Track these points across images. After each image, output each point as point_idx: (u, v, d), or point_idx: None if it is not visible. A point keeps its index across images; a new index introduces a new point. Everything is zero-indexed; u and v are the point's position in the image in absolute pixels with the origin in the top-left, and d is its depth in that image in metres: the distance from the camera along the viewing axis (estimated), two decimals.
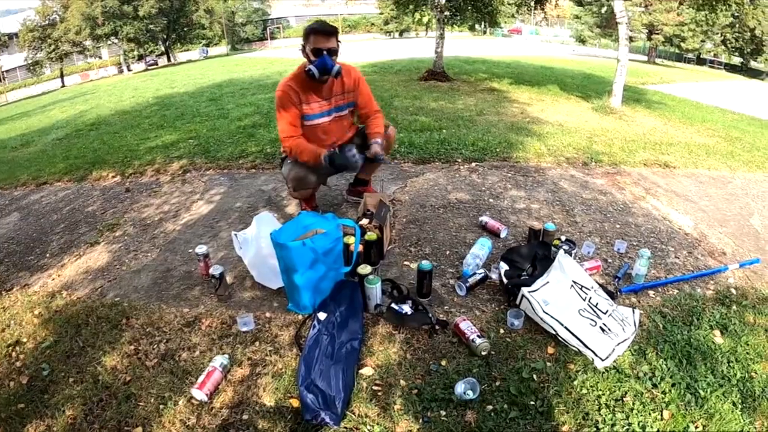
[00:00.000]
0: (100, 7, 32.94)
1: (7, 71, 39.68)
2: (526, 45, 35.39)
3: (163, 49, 41.20)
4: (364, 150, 3.04)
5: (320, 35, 2.83)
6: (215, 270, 2.58)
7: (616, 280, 2.72)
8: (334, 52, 2.86)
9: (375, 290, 2.34)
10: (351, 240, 2.54)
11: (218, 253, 3.16)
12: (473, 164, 4.50)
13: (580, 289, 2.32)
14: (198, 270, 2.92)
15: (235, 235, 2.79)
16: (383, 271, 2.77)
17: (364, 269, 2.38)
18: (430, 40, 13.00)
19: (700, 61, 36.34)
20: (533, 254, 2.65)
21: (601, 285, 2.49)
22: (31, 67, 37.09)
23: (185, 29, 40.61)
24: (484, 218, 3.23)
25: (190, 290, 2.81)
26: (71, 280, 3.14)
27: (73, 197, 4.82)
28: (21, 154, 7.74)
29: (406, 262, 2.85)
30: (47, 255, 3.57)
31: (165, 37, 38.95)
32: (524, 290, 2.29)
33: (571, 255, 2.63)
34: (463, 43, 29.22)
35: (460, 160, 4.60)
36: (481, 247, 2.79)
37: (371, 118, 3.20)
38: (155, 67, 36.96)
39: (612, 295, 2.47)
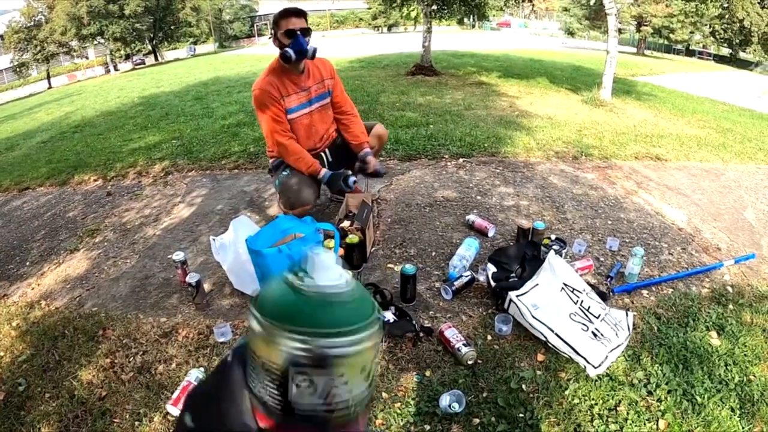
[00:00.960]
0: (85, 7, 32.52)
1: None
2: (516, 38, 35.19)
3: (150, 48, 40.82)
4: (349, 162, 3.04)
5: (291, 16, 2.71)
6: (192, 278, 2.49)
7: (609, 279, 2.65)
8: (307, 32, 2.75)
9: None
10: (331, 244, 2.44)
11: (198, 258, 3.07)
12: (461, 160, 4.41)
13: (572, 291, 2.23)
14: (176, 277, 2.83)
15: (213, 239, 2.70)
16: (366, 274, 2.68)
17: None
18: (418, 35, 12.87)
19: (689, 53, 36.30)
20: (522, 255, 2.57)
21: (593, 285, 2.42)
22: (17, 69, 36.65)
23: (172, 27, 40.24)
24: (471, 217, 3.14)
25: (168, 298, 2.73)
26: (50, 290, 3.07)
27: (54, 202, 4.75)
28: (5, 158, 7.62)
29: (390, 265, 2.76)
30: (27, 263, 3.50)
31: (152, 36, 38.58)
32: (512, 294, 2.21)
33: (561, 255, 2.55)
34: (451, 37, 29.07)
35: (447, 157, 4.50)
36: (468, 248, 2.71)
37: (350, 122, 3.11)
38: (142, 66, 36.57)
39: (604, 296, 2.40)
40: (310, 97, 2.95)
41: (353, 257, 2.60)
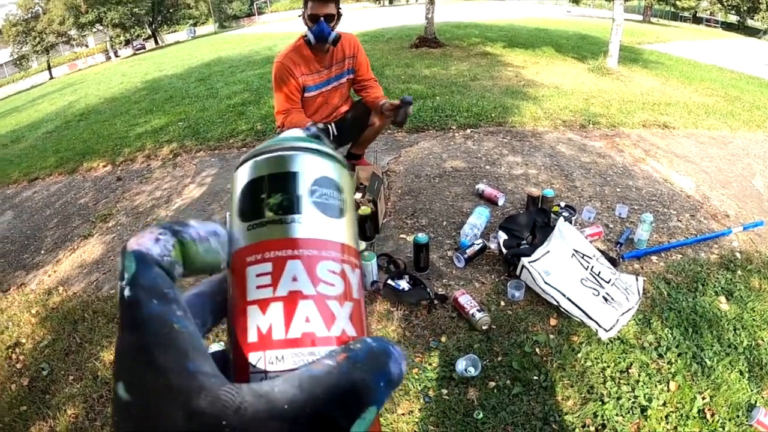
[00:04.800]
0: None
1: None
2: (520, 7, 34.58)
3: (150, 32, 40.59)
4: (366, 121, 3.09)
5: (317, 1, 2.71)
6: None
7: (618, 246, 2.65)
8: (331, 18, 2.74)
9: (370, 266, 2.27)
10: None
11: None
12: (468, 131, 4.40)
13: (582, 257, 2.25)
14: None
15: (229, 215, 2.72)
16: (379, 245, 2.71)
17: (359, 245, 2.31)
18: (420, 7, 12.73)
19: (696, 20, 35.67)
20: (532, 222, 2.58)
21: (602, 252, 2.43)
22: (18, 62, 36.62)
23: (171, 10, 39.98)
24: (481, 186, 3.15)
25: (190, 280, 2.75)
26: (67, 276, 3.10)
27: (65, 190, 4.78)
28: (12, 150, 7.69)
29: (402, 235, 2.78)
30: (42, 251, 3.54)
31: (151, 20, 38.34)
32: (524, 261, 2.22)
33: (571, 222, 2.55)
34: (454, 8, 28.66)
35: (454, 128, 4.49)
36: (479, 217, 2.72)
37: (368, 88, 3.11)
38: (143, 51, 36.37)
39: (614, 262, 2.41)
40: (329, 77, 2.98)
41: (366, 229, 2.63)
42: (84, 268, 3.18)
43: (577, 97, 5.81)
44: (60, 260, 3.35)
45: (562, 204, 2.75)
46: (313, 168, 0.31)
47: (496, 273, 2.43)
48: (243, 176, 0.33)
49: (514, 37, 12.24)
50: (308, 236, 0.29)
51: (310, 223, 0.30)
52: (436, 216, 2.96)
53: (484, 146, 4.01)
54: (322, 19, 2.69)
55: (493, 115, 4.76)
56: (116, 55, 38.21)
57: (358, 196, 2.69)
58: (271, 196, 0.30)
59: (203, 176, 4.17)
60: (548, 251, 2.28)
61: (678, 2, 30.19)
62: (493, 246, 2.52)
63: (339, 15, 2.80)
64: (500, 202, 3.02)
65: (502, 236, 2.47)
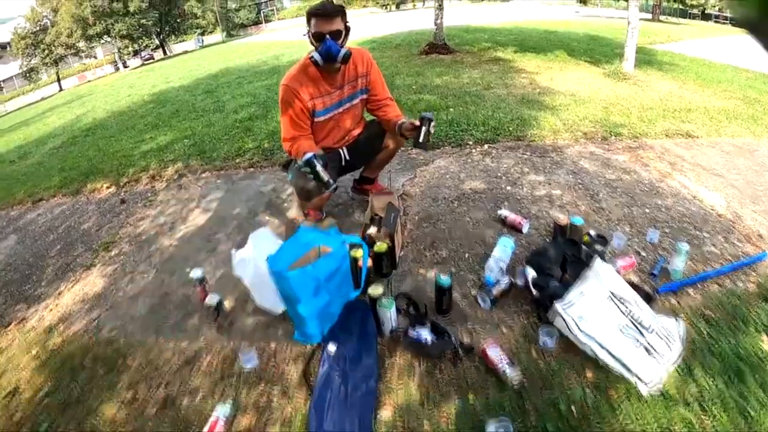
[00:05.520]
0: (89, 7, 32.58)
1: (4, 80, 39.77)
2: (527, 9, 34.36)
3: (158, 42, 40.80)
4: (380, 143, 2.92)
5: (320, 18, 2.49)
6: (211, 299, 2.35)
7: (652, 277, 2.43)
8: (338, 34, 2.52)
9: (389, 314, 2.08)
10: (359, 253, 2.27)
11: (217, 272, 2.93)
12: (486, 146, 4.20)
13: (620, 301, 2.04)
14: (196, 295, 2.69)
15: (234, 252, 2.54)
16: (397, 281, 2.51)
17: (376, 290, 2.12)
18: (427, 11, 12.63)
19: (705, 17, 35.24)
20: (562, 256, 2.37)
21: (636, 285, 2.22)
22: (27, 75, 37.03)
23: (178, 21, 40.21)
24: (503, 212, 2.94)
25: (188, 318, 2.61)
26: (68, 311, 2.96)
27: (69, 213, 4.68)
28: (18, 168, 7.65)
29: (421, 270, 2.58)
30: (43, 283, 3.41)
31: (158, 30, 38.55)
32: (557, 306, 2.02)
33: (605, 256, 2.34)
34: (461, 11, 28.54)
35: (471, 143, 4.29)
36: (504, 249, 2.51)
37: (384, 107, 2.89)
38: (152, 61, 36.63)
39: (650, 297, 2.20)
40: (341, 98, 2.78)
41: (382, 265, 2.43)
42: (85, 303, 3.03)
43: (596, 106, 5.59)
44: (62, 293, 3.21)
45: (592, 233, 2.54)
46: None
47: (524, 314, 2.23)
48: None
49: (525, 40, 12.04)
50: None
51: None
52: (456, 246, 2.76)
53: (504, 163, 3.81)
54: (327, 37, 2.47)
55: (510, 128, 4.56)
56: (125, 66, 38.46)
57: (373, 230, 2.50)
58: None
59: (209, 200, 4.02)
60: (582, 293, 2.07)
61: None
62: (520, 282, 2.32)
63: (347, 29, 2.58)
64: (525, 230, 2.81)
65: (530, 272, 2.27)
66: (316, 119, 2.72)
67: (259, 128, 5.76)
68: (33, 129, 12.61)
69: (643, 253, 2.66)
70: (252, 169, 4.49)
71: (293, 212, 3.43)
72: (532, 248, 2.65)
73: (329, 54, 2.49)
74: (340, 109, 2.80)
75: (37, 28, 35.19)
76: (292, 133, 2.66)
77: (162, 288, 2.96)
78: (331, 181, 2.35)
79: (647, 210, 3.11)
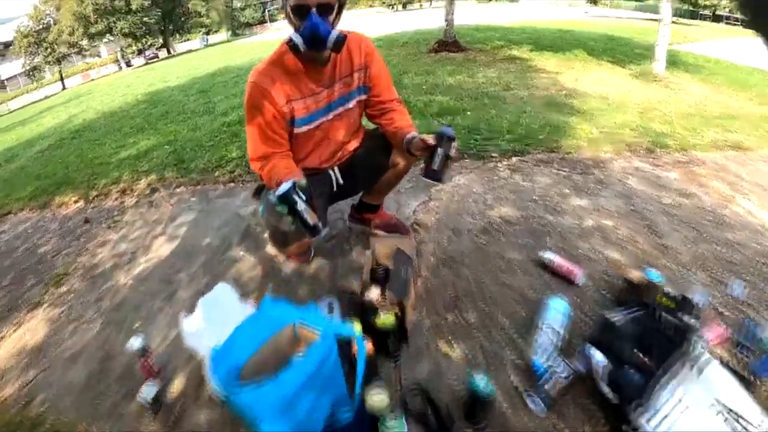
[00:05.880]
0: (91, 5, 32.20)
1: (8, 79, 39.67)
2: (535, 9, 33.48)
3: (162, 41, 40.45)
4: (386, 160, 2.18)
5: None
6: (147, 392, 1.65)
7: (742, 349, 1.72)
8: (328, 9, 1.72)
9: None
10: (349, 336, 1.56)
11: (171, 330, 2.25)
12: (514, 160, 3.47)
13: (729, 413, 1.34)
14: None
15: (184, 317, 1.85)
16: (408, 363, 1.79)
17: (378, 399, 1.41)
18: (434, 11, 12.06)
19: (716, 18, 34.44)
20: (641, 332, 1.65)
21: (728, 366, 1.52)
22: (30, 73, 36.94)
23: (182, 19, 39.78)
24: (549, 255, 2.21)
25: (127, 402, 1.95)
26: (3, 366, 2.45)
27: (31, 232, 4.22)
28: (1, 173, 7.30)
29: (442, 345, 1.86)
30: None
31: (162, 29, 38.13)
32: (644, 423, 1.32)
33: (697, 331, 1.62)
34: (468, 11, 27.85)
35: (496, 155, 3.55)
36: (556, 317, 1.81)
37: (389, 112, 2.11)
38: (155, 60, 36.28)
39: (747, 383, 1.50)
40: (331, 100, 2.01)
41: (388, 345, 1.72)
42: (23, 356, 2.49)
43: (631, 111, 4.89)
44: (3, 337, 2.70)
45: (671, 291, 1.81)
46: None
47: (595, 421, 1.52)
48: None
49: (539, 39, 11.32)
50: None
51: None
52: (488, 305, 2.03)
53: (538, 182, 3.09)
54: (313, 10, 1.67)
55: (541, 136, 3.82)
56: (128, 65, 38.21)
57: (375, 293, 1.76)
58: None
59: (178, 224, 3.38)
60: (680, 400, 1.37)
61: (699, 0, 29.15)
62: (580, 366, 1.61)
63: (341, 4, 1.80)
64: (579, 281, 2.09)
65: (598, 358, 1.56)
66: (296, 129, 1.97)
67: (245, 134, 5.11)
68: (27, 129, 12.24)
69: (726, 312, 1.97)
70: (232, 185, 3.82)
71: (273, 248, 2.71)
72: (589, 308, 1.95)
73: (315, 36, 1.70)
74: (330, 116, 2.04)
75: (40, 26, 34.97)
76: (262, 150, 1.91)
77: (105, 347, 2.34)
78: (320, 225, 1.61)
79: (718, 248, 2.41)
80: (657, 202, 2.86)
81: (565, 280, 2.12)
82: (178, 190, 3.99)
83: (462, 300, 2.07)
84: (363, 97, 2.08)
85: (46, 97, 29.76)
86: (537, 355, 1.69)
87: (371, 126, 2.27)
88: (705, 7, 31.08)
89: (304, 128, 1.97)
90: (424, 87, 6.24)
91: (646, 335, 1.64)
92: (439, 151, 1.76)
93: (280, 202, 1.53)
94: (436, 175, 1.79)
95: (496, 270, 2.23)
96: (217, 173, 4.05)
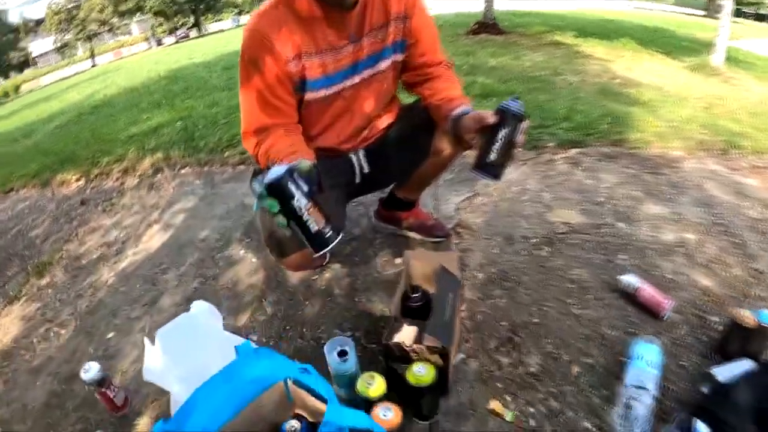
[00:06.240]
0: None
1: (39, 56, 40.28)
2: None
3: (193, 21, 40.62)
4: (427, 145, 1.68)
5: None
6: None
7: None
8: None
9: None
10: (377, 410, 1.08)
11: (143, 352, 1.82)
12: (573, 152, 2.90)
13: None
14: None
15: (146, 341, 1.38)
16: (447, 424, 1.30)
17: None
18: None
19: (759, 17, 33.07)
20: (759, 398, 1.17)
21: None
22: (61, 50, 37.56)
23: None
24: (631, 281, 1.67)
25: None
26: None
27: (27, 212, 3.98)
28: (15, 148, 7.12)
29: (493, 404, 1.35)
30: None
31: (193, 8, 38.18)
32: None
33: None
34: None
35: (552, 145, 2.97)
36: (648, 371, 1.30)
37: (434, 79, 1.63)
38: (186, 39, 36.32)
39: None
40: (357, 60, 1.50)
41: (422, 404, 1.22)
42: None
43: (693, 105, 4.30)
44: None
45: None
46: None
47: None
48: None
49: (584, 26, 10.68)
50: None
51: None
52: (555, 345, 1.50)
53: (604, 181, 2.54)
54: None
55: (602, 127, 3.24)
56: (159, 44, 38.43)
57: (409, 334, 1.25)
58: None
59: (175, 210, 3.02)
60: None
61: None
62: None
63: None
64: (665, 315, 1.56)
65: None
66: (308, 95, 1.46)
67: None
68: (50, 105, 12.08)
69: None
70: (242, 167, 3.40)
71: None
72: (684, 356, 1.44)
73: None
74: (356, 79, 1.54)
75: (71, 3, 35.35)
76: (260, 121, 1.43)
77: (71, 362, 1.97)
78: (327, 231, 1.11)
79: None
80: (742, 215, 2.32)
81: (645, 309, 1.60)
82: (182, 171, 3.63)
83: (519, 335, 1.55)
84: (400, 57, 1.58)
85: (76, 74, 30.05)
86: (625, 429, 1.19)
87: (407, 99, 1.79)
88: (749, 4, 29.88)
89: (320, 93, 1.47)
90: (464, 68, 5.66)
91: (764, 401, 1.16)
92: (501, 134, 1.28)
93: (268, 195, 1.04)
94: (492, 170, 1.33)
95: (562, 295, 1.71)
96: (227, 153, 3.65)
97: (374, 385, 1.17)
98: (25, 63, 38.79)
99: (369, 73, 1.54)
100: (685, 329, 1.55)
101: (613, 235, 2.07)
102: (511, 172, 2.65)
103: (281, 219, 1.06)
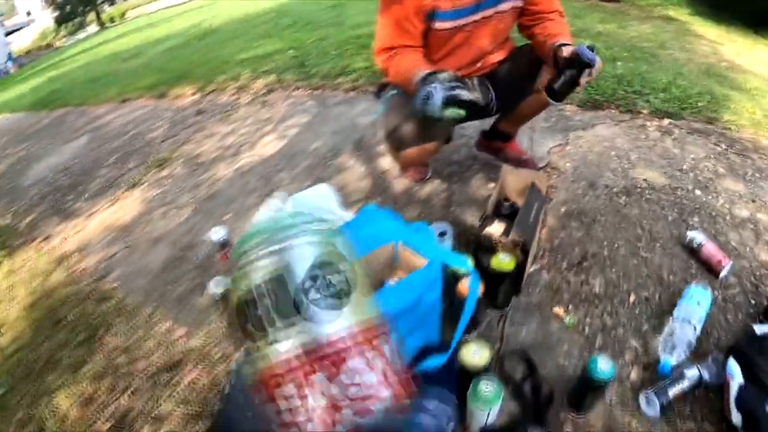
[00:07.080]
0: None
1: None
2: None
3: None
4: (531, 82, 1.85)
5: None
6: (216, 287, 1.47)
7: None
8: None
9: (487, 413, 1.13)
10: (464, 280, 1.31)
11: None
12: (666, 122, 2.96)
13: None
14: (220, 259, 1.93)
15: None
16: (513, 320, 1.54)
17: (477, 358, 1.17)
18: None
19: None
20: None
21: None
22: None
23: None
24: (697, 237, 1.82)
25: (198, 293, 1.91)
26: (89, 239, 2.59)
27: (144, 118, 4.42)
28: (127, 66, 7.75)
29: (557, 310, 1.58)
30: (85, 196, 3.16)
31: None
32: None
33: None
34: None
35: (645, 112, 3.04)
36: (696, 309, 1.48)
37: (546, 20, 1.79)
38: None
39: None
40: (480, 0, 1.68)
41: (498, 293, 1.47)
42: (110, 232, 2.60)
43: None
44: (95, 213, 2.87)
45: None
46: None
47: None
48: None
49: (700, 3, 10.04)
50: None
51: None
52: (618, 276, 1.71)
53: (690, 153, 2.61)
54: None
55: (700, 104, 3.25)
56: None
57: (497, 228, 1.50)
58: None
59: (289, 124, 3.31)
60: None
61: None
62: (707, 376, 1.30)
63: None
64: (723, 273, 1.71)
65: (735, 373, 1.25)
66: (436, 24, 1.67)
67: None
68: (156, 31, 12.66)
69: None
70: (353, 93, 3.61)
71: (388, 161, 2.48)
72: (731, 311, 1.58)
73: None
74: (478, 16, 1.70)
75: None
76: (393, 41, 1.67)
77: (189, 235, 2.35)
78: (478, 96, 1.49)
79: None
80: None
81: (707, 267, 1.75)
82: (295, 92, 3.89)
83: (589, 264, 1.76)
84: (520, 3, 1.75)
85: (183, 2, 30.82)
86: (666, 351, 1.38)
87: (519, 42, 1.97)
88: None
89: (447, 24, 1.68)
90: (571, 30, 5.61)
91: None
92: (568, 72, 1.54)
93: (445, 106, 1.39)
94: (554, 95, 1.60)
95: (633, 239, 1.89)
96: (339, 80, 3.88)
97: (468, 259, 1.39)
98: None
99: (491, 13, 1.72)
100: (737, 290, 1.68)
101: (689, 199, 2.19)
102: (603, 130, 2.77)
103: (461, 111, 1.40)
